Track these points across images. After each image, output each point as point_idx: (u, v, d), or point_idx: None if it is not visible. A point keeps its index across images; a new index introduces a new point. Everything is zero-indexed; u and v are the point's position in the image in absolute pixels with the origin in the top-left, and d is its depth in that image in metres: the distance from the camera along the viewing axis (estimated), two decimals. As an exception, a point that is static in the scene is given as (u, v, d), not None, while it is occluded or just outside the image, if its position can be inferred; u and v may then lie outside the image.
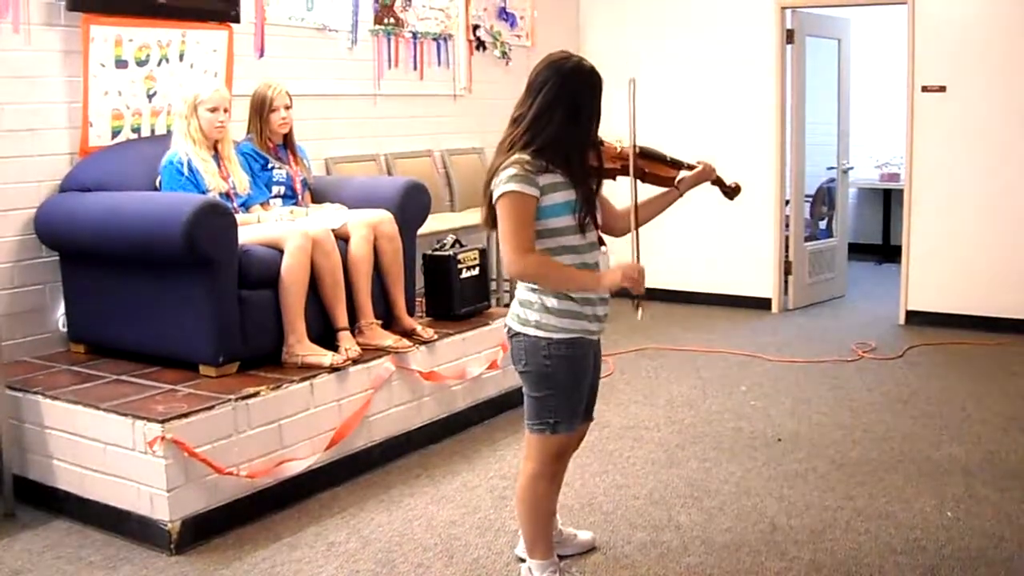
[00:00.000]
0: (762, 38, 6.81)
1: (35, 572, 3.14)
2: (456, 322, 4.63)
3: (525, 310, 2.77)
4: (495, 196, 2.66)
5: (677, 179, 2.99)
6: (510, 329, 2.82)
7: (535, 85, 2.69)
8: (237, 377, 3.73)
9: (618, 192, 2.89)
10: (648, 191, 2.94)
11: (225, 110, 4.12)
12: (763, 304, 7.01)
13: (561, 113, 2.66)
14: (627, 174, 2.85)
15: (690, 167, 3.01)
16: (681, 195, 3.00)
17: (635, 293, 2.67)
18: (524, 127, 2.68)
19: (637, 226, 2.80)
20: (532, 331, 2.74)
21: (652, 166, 2.97)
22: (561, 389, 2.77)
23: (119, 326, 3.97)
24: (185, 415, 3.29)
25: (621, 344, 5.89)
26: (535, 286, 2.74)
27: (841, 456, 4.07)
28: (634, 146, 2.82)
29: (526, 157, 2.65)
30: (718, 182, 3.10)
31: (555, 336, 2.73)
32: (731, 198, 3.15)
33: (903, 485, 3.74)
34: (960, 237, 6.28)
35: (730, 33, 6.94)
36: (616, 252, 2.81)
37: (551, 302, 2.72)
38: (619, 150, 2.91)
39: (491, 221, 2.74)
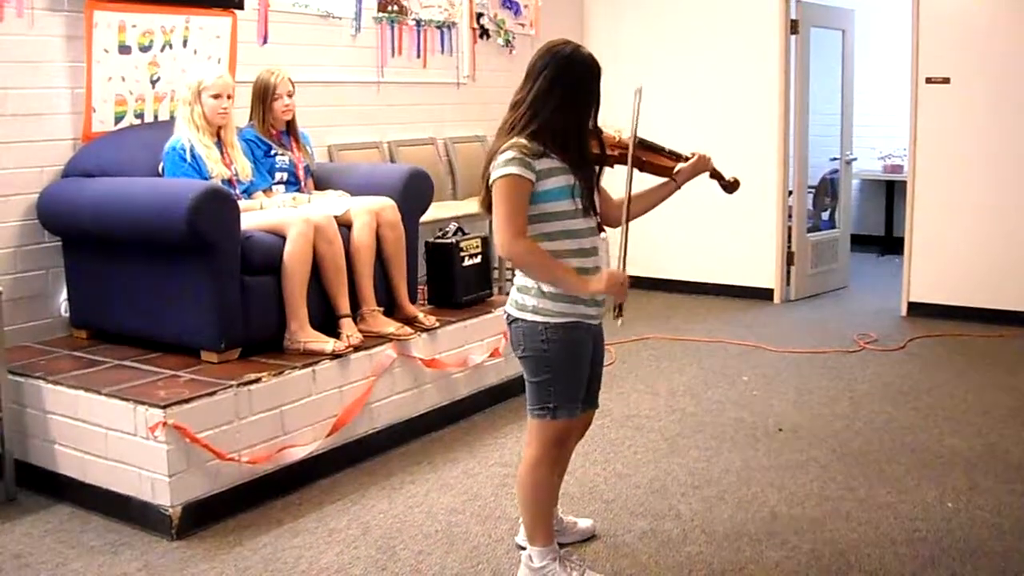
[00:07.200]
0: (766, 28, 6.78)
1: (36, 556, 3.15)
2: (458, 310, 4.64)
3: (523, 295, 2.77)
4: (492, 178, 2.67)
5: (675, 170, 2.99)
6: (508, 315, 2.83)
7: (534, 71, 2.71)
8: (239, 363, 3.74)
9: (616, 183, 2.90)
10: (645, 183, 2.94)
11: (228, 96, 4.12)
12: (765, 294, 7.00)
13: (559, 97, 2.67)
14: (625, 163, 2.86)
15: (687, 159, 3.01)
16: (679, 187, 3.01)
17: (617, 302, 2.74)
18: (522, 111, 2.69)
19: (628, 220, 2.80)
20: (530, 316, 2.74)
21: (651, 156, 2.98)
22: (560, 373, 2.77)
23: (121, 312, 3.98)
24: (187, 400, 3.30)
25: (623, 334, 5.88)
26: None
27: (842, 447, 4.07)
28: (633, 144, 2.82)
29: (524, 141, 2.65)
30: (716, 175, 3.09)
31: (552, 320, 2.73)
32: (730, 192, 3.14)
33: (904, 476, 3.75)
34: (963, 229, 6.26)
35: (734, 23, 6.91)
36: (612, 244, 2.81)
37: (548, 287, 2.72)
38: (617, 139, 2.92)
39: (488, 204, 2.75)
